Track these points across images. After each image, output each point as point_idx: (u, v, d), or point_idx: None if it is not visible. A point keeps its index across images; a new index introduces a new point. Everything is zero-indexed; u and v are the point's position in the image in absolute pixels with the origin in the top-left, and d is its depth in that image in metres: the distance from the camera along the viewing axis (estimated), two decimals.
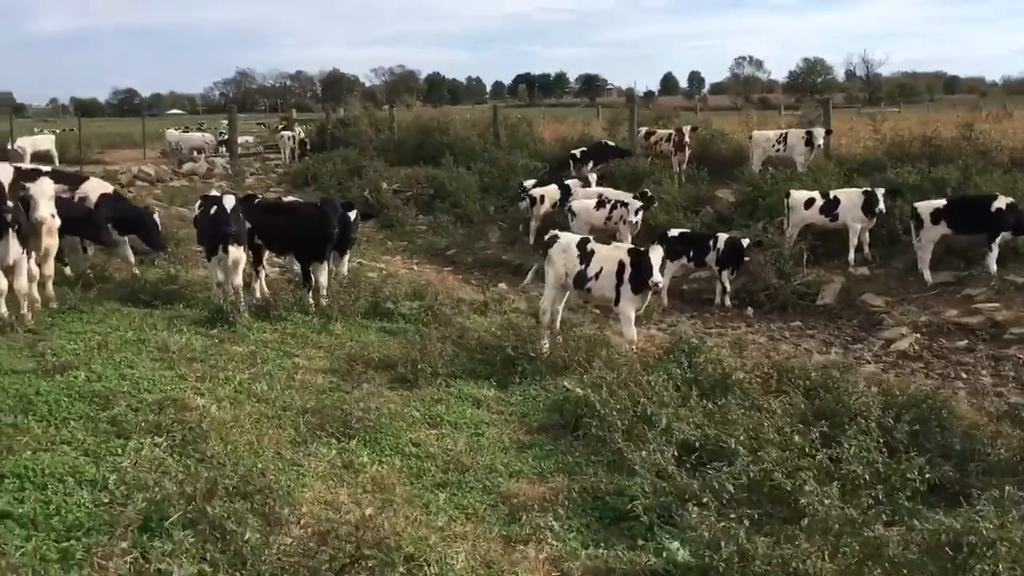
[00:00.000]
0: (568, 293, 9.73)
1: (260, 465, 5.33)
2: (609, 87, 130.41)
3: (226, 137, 29.92)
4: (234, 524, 4.38)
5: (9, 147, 23.29)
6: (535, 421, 7.18)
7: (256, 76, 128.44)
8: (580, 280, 9.34)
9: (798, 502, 5.24)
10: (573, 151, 21.70)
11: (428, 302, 10.68)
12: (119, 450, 5.42)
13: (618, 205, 15.81)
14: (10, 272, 8.24)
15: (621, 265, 9.03)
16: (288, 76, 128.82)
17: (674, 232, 14.07)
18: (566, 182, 18.47)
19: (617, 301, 9.11)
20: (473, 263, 17.52)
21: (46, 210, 8.49)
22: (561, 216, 17.04)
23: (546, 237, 10.05)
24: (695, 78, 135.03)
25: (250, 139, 33.49)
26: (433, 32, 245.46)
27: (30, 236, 8.41)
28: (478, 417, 7.14)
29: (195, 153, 28.03)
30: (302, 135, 30.53)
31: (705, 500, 5.27)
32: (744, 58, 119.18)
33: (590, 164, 20.99)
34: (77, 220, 10.10)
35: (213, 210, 9.71)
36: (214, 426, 5.78)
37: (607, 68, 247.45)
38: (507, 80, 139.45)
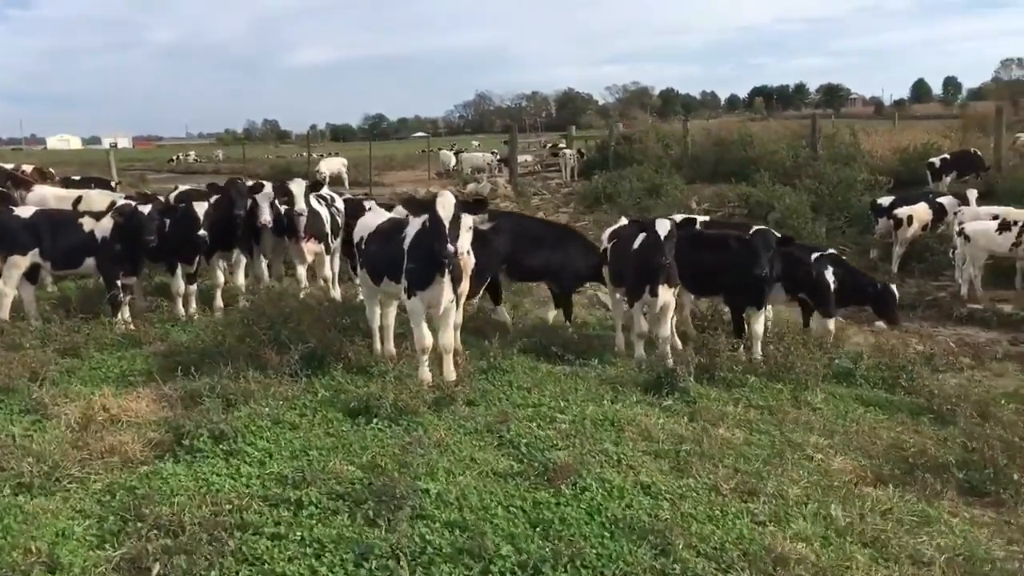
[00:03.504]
0: None
1: None
2: (852, 96, 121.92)
3: (501, 157, 28.80)
4: None
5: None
6: None
7: (493, 98, 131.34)
8: None
9: None
10: (931, 160, 18.31)
11: (881, 358, 8.12)
12: None
13: None
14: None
15: None
16: (524, 97, 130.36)
17: None
18: (938, 200, 15.25)
19: None
20: None
21: (464, 245, 6.66)
22: (934, 240, 14.37)
23: None
24: (950, 83, 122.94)
25: (529, 158, 32.31)
26: (664, 48, 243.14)
27: (460, 279, 6.64)
28: None
29: (477, 173, 27.01)
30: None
31: None
32: (1012, 60, 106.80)
33: (951, 175, 17.61)
34: None
35: (639, 240, 7.67)
36: None
37: (846, 77, 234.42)
38: (742, 93, 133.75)
